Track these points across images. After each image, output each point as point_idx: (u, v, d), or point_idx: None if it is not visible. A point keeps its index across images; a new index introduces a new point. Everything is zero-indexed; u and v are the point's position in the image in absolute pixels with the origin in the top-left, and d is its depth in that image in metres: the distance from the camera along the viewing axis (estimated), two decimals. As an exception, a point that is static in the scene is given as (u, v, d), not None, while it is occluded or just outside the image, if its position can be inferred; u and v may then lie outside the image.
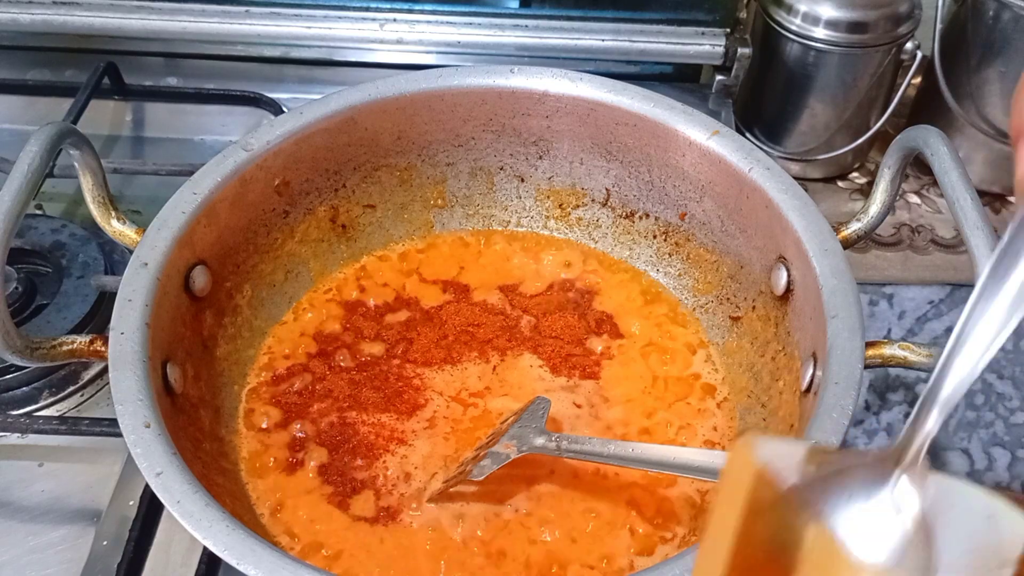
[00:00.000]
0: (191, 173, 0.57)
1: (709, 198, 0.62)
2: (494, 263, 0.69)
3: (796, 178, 0.57)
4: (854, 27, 0.78)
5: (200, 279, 0.56)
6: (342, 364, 0.61)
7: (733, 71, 0.85)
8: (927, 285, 0.82)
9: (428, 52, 0.87)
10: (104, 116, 0.85)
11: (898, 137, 0.55)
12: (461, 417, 0.59)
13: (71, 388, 0.65)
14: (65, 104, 0.79)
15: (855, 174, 0.91)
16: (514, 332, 0.64)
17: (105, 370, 0.51)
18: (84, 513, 0.58)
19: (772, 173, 0.57)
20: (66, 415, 0.63)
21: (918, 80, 0.90)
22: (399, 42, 0.85)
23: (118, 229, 0.55)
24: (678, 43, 0.85)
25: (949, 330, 0.80)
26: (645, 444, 0.49)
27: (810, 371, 0.51)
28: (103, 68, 0.83)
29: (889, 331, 0.83)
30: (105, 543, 0.56)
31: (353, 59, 0.90)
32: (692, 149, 0.61)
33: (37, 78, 0.88)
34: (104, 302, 0.66)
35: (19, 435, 0.62)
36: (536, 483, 0.55)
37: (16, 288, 0.65)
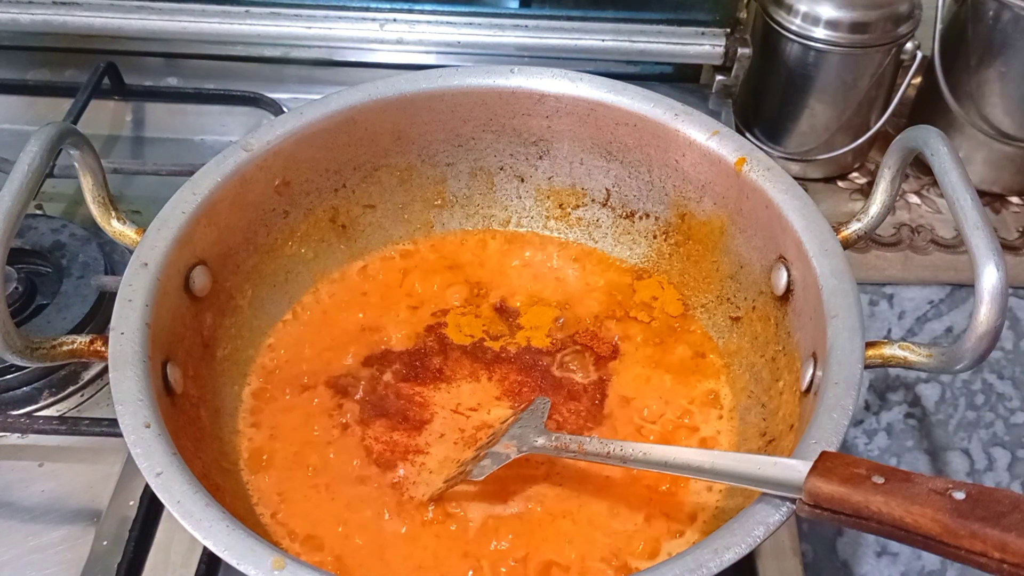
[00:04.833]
0: (191, 173, 0.57)
1: (709, 198, 0.62)
2: (493, 264, 0.69)
3: (796, 178, 0.57)
4: (854, 27, 0.78)
5: (200, 279, 0.56)
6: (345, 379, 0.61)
7: (733, 71, 0.85)
8: (927, 285, 0.82)
9: (428, 52, 0.87)
10: (104, 116, 0.85)
11: (898, 137, 0.55)
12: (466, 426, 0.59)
13: (71, 388, 0.65)
14: (65, 104, 0.79)
15: (855, 174, 0.91)
16: (514, 339, 0.64)
17: (105, 370, 0.51)
18: (84, 513, 0.58)
19: (772, 173, 0.57)
20: (66, 415, 0.63)
21: (918, 80, 0.90)
22: (399, 42, 0.84)
23: (118, 229, 0.55)
24: (678, 43, 0.85)
25: (949, 330, 0.80)
26: (645, 444, 0.49)
27: (810, 371, 0.51)
28: (103, 68, 0.83)
29: (889, 331, 0.83)
30: (105, 543, 0.56)
31: (353, 59, 0.89)
32: (692, 149, 0.61)
33: (37, 78, 0.88)
34: (104, 302, 0.66)
35: (19, 435, 0.62)
36: (536, 483, 0.55)
37: (16, 288, 0.65)
